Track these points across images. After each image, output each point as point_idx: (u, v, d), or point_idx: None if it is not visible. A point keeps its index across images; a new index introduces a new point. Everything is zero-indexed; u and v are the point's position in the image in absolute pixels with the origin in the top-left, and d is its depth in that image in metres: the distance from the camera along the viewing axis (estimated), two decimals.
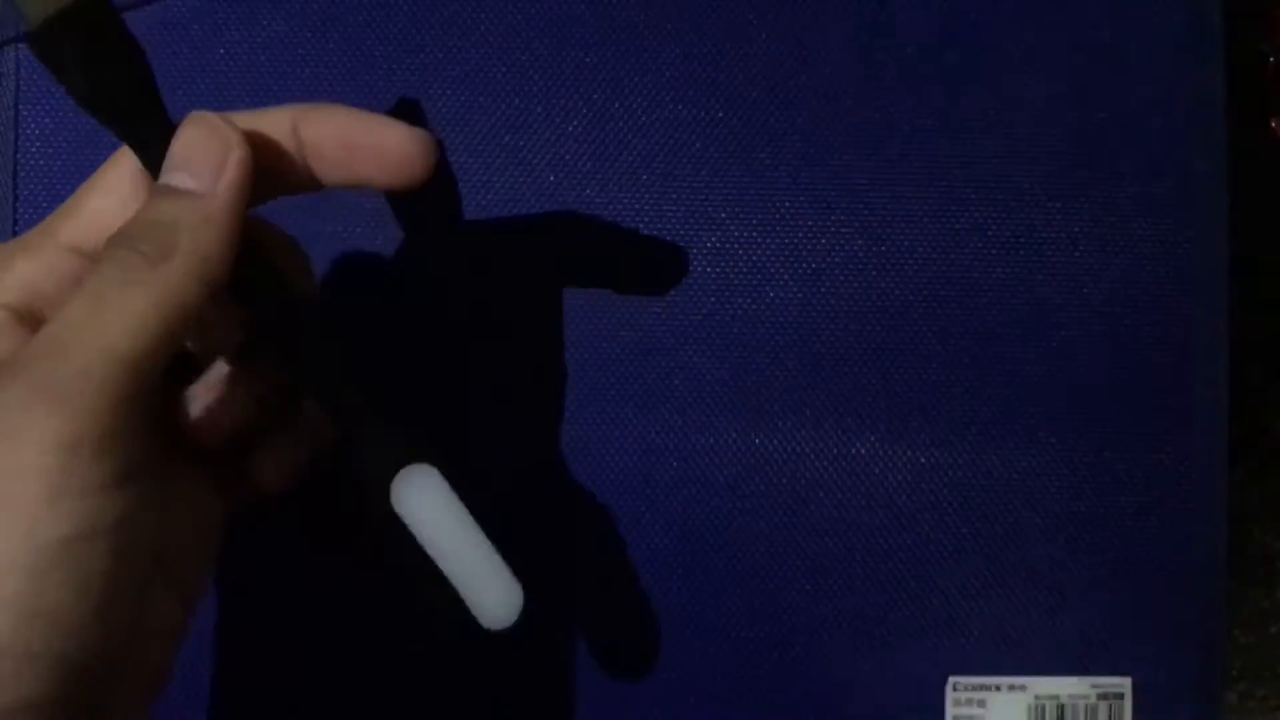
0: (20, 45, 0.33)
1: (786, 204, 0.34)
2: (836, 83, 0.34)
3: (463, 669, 0.33)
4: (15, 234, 0.33)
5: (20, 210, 0.33)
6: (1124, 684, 0.34)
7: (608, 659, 0.33)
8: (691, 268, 0.34)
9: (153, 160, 0.24)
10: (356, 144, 0.24)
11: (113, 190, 0.25)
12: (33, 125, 0.33)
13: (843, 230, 0.34)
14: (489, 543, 0.26)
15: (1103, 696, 0.34)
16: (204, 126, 0.23)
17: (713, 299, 0.34)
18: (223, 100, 0.33)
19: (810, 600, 0.34)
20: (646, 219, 0.34)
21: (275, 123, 0.24)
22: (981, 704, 0.34)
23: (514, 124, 0.34)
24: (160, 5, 0.33)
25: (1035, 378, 0.34)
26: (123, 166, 0.25)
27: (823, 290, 0.34)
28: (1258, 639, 0.36)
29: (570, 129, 0.34)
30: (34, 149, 0.33)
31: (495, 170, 0.34)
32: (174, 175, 0.23)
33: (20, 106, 0.33)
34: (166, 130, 0.24)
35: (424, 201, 0.33)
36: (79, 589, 0.20)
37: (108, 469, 0.20)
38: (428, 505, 0.25)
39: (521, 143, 0.34)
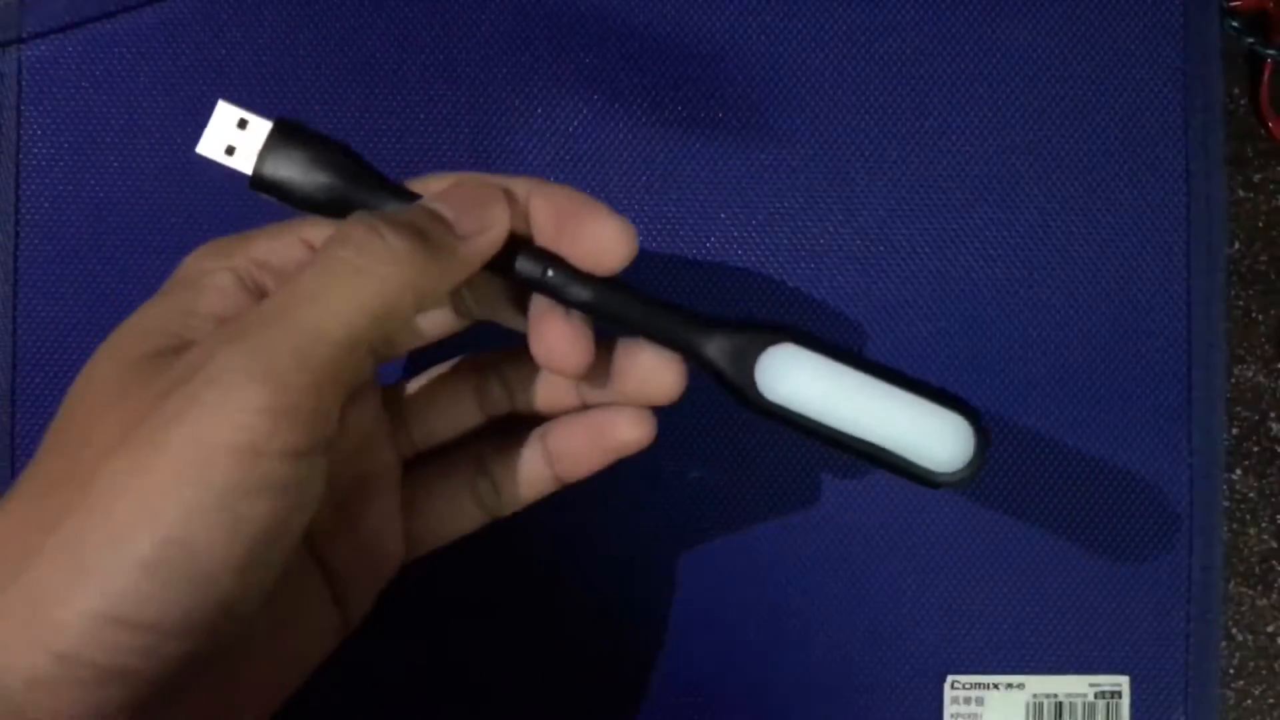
0: (22, 45, 0.33)
1: (786, 204, 0.34)
2: (836, 83, 0.34)
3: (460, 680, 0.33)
4: (18, 235, 0.33)
5: (22, 210, 0.33)
6: (1122, 682, 0.34)
7: (604, 657, 0.34)
8: (692, 268, 0.34)
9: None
10: (571, 221, 0.24)
11: None
12: (35, 125, 0.33)
13: (843, 230, 0.34)
14: (896, 383, 0.24)
15: (1100, 695, 0.34)
16: (485, 187, 0.24)
17: (713, 299, 0.34)
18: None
19: (809, 599, 0.34)
20: (646, 219, 0.34)
21: (517, 188, 0.25)
22: (980, 702, 0.34)
23: (514, 124, 0.34)
24: (160, 5, 0.33)
25: (1034, 377, 0.34)
26: None
27: (823, 290, 0.34)
28: (1254, 637, 0.36)
29: (570, 129, 0.34)
30: (36, 149, 0.33)
31: (495, 170, 0.34)
32: (442, 206, 0.24)
33: (22, 107, 0.33)
34: (408, 196, 0.24)
35: None
36: (229, 533, 0.20)
37: (296, 439, 0.21)
38: (805, 383, 0.24)
39: (521, 143, 0.34)
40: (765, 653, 0.34)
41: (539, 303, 0.25)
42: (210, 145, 0.24)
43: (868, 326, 0.34)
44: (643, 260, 0.34)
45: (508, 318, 0.26)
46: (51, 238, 0.33)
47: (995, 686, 0.34)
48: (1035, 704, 0.34)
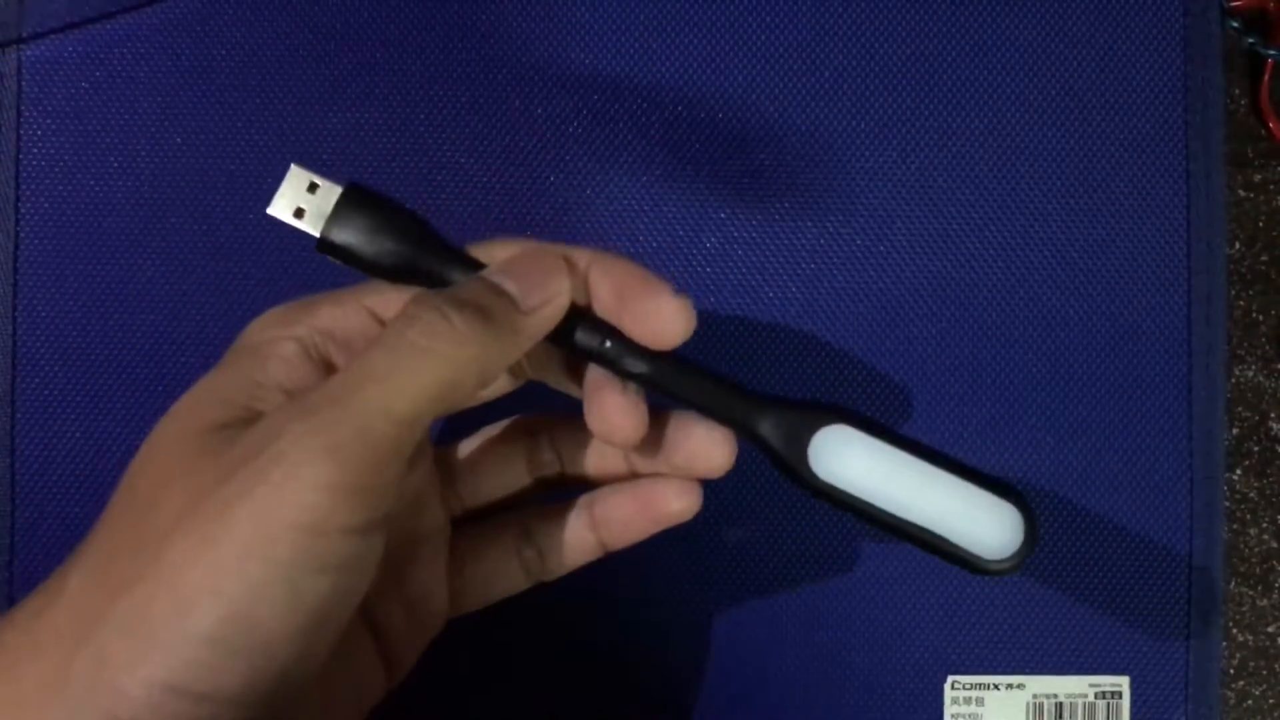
0: (21, 46, 0.33)
1: (786, 204, 0.34)
2: (836, 84, 0.34)
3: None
4: (18, 235, 0.33)
5: (22, 211, 0.33)
6: (1122, 682, 0.34)
7: (600, 654, 0.34)
8: (691, 268, 0.34)
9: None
10: (632, 297, 0.25)
11: None
12: (35, 126, 0.33)
13: (843, 230, 0.34)
14: (946, 468, 0.24)
15: (1101, 695, 0.34)
16: (547, 258, 0.24)
17: (712, 299, 0.34)
18: (223, 101, 0.33)
19: (809, 599, 0.34)
20: (646, 219, 0.34)
21: (579, 258, 0.25)
22: (980, 702, 0.34)
23: (514, 124, 0.34)
24: (161, 5, 0.33)
25: (1033, 378, 0.34)
26: None
27: (823, 290, 0.34)
28: (1255, 637, 0.36)
29: (570, 129, 0.34)
30: (36, 149, 0.33)
31: (495, 170, 0.34)
32: (505, 280, 0.24)
33: (22, 107, 0.33)
34: (473, 265, 0.25)
35: (424, 202, 0.33)
36: (289, 608, 0.21)
37: (358, 516, 0.21)
38: (858, 464, 0.24)
39: (521, 143, 0.34)
40: (766, 652, 0.34)
41: (595, 373, 0.25)
42: (281, 207, 0.25)
43: (868, 327, 0.34)
44: (642, 261, 0.34)
45: (561, 382, 0.27)
46: (51, 238, 0.33)
47: (995, 686, 0.34)
48: (1035, 704, 0.34)
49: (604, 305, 0.25)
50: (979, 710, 0.34)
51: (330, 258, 0.25)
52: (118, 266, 0.33)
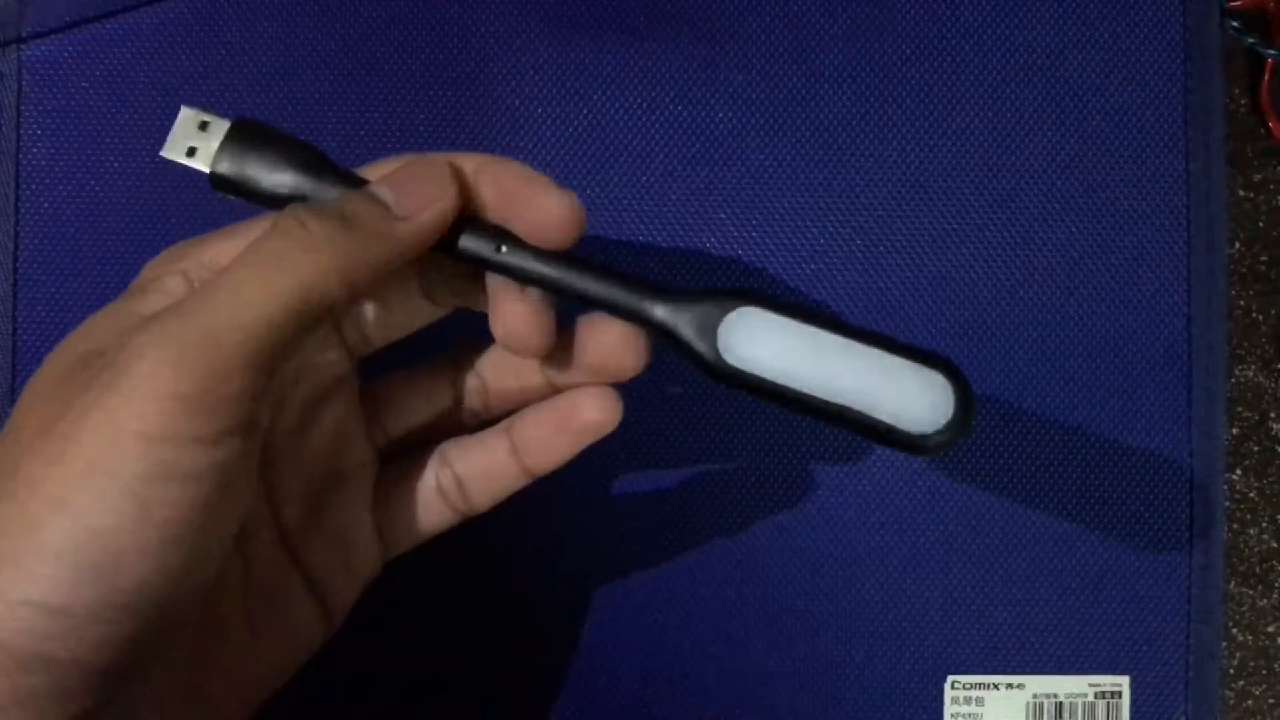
0: (21, 45, 0.33)
1: (786, 204, 0.34)
2: (836, 83, 0.34)
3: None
4: (18, 235, 0.33)
5: (22, 210, 0.33)
6: (1122, 682, 0.34)
7: (601, 654, 0.34)
8: (691, 268, 0.34)
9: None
10: (518, 197, 0.24)
11: None
12: (35, 126, 0.33)
13: (843, 230, 0.34)
14: (868, 342, 0.23)
15: (1101, 695, 0.34)
16: (429, 166, 0.24)
17: None
18: (223, 101, 0.33)
19: (809, 599, 0.34)
20: (646, 219, 0.34)
21: (465, 165, 0.25)
22: (979, 703, 0.34)
23: (514, 124, 0.34)
24: (161, 5, 0.33)
25: (1033, 378, 0.34)
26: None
27: (823, 290, 0.34)
28: (1255, 638, 0.36)
29: (570, 129, 0.34)
30: (36, 149, 0.33)
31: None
32: (381, 188, 0.24)
33: (22, 107, 0.33)
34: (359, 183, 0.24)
35: None
36: (138, 520, 0.20)
37: (207, 426, 0.21)
38: (770, 345, 0.23)
39: (522, 143, 0.34)
40: (765, 652, 0.34)
41: (494, 282, 0.25)
42: (173, 148, 0.25)
43: (868, 327, 0.34)
44: (642, 260, 0.34)
45: (483, 304, 0.26)
46: (51, 238, 0.33)
47: (995, 686, 0.34)
48: (1035, 704, 0.34)
49: (493, 210, 0.25)
50: (979, 710, 0.34)
51: (228, 195, 0.24)
52: (118, 266, 0.33)
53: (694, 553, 0.34)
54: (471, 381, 0.28)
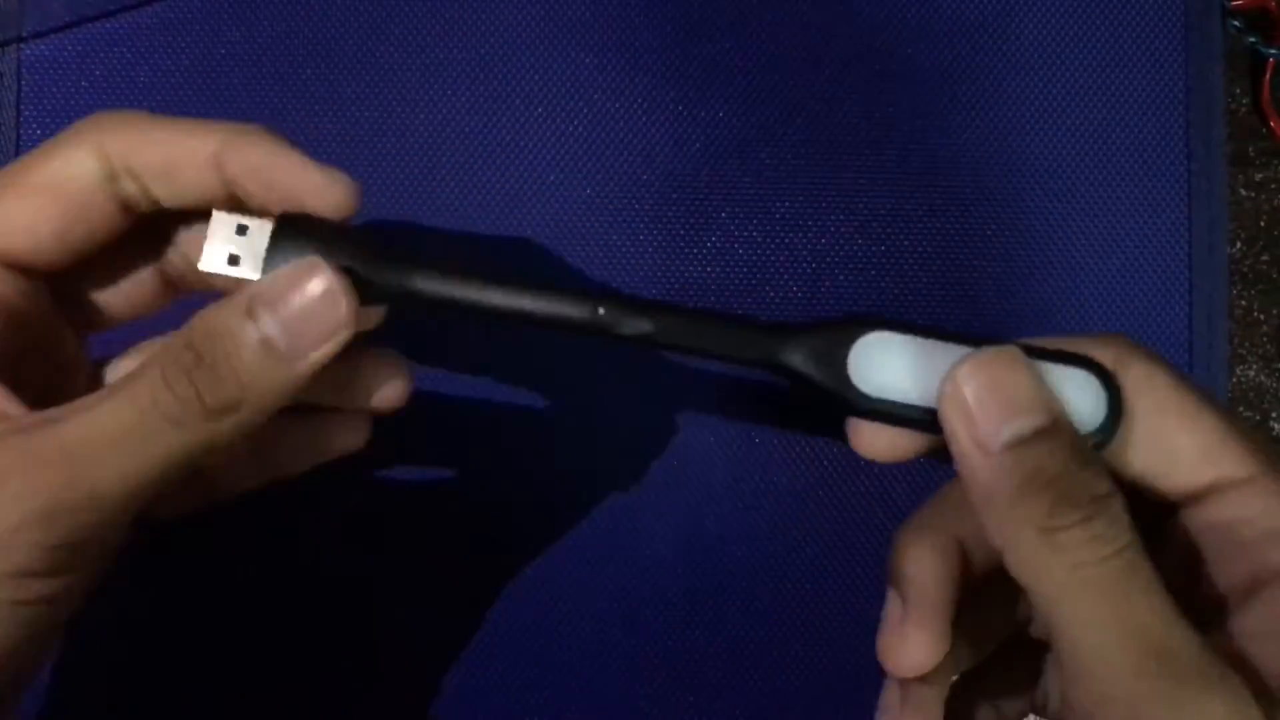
0: (21, 45, 0.33)
1: (786, 204, 0.34)
2: (837, 83, 0.34)
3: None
4: None
5: None
6: None
7: (602, 653, 0.34)
8: (692, 268, 0.34)
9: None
10: (276, 185, 0.23)
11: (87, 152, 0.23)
12: (34, 126, 0.33)
13: (843, 230, 0.34)
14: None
15: None
16: (328, 296, 0.22)
17: (713, 299, 0.34)
18: (223, 100, 0.33)
19: (810, 599, 0.34)
20: (647, 219, 0.34)
21: (202, 144, 0.23)
22: None
23: (514, 124, 0.34)
24: (161, 5, 0.33)
25: None
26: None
27: (823, 290, 0.34)
28: None
29: (570, 129, 0.34)
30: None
31: (495, 170, 0.34)
32: (269, 322, 0.21)
33: (22, 107, 0.33)
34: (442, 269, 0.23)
35: (425, 202, 0.33)
36: None
37: (45, 559, 0.21)
38: (906, 369, 0.21)
39: (522, 143, 0.34)
40: (767, 652, 0.34)
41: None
42: (212, 260, 0.23)
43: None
44: (643, 261, 0.34)
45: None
46: None
47: None
48: None
49: (251, 193, 0.23)
50: None
51: None
52: None
53: (692, 553, 0.34)
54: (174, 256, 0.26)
